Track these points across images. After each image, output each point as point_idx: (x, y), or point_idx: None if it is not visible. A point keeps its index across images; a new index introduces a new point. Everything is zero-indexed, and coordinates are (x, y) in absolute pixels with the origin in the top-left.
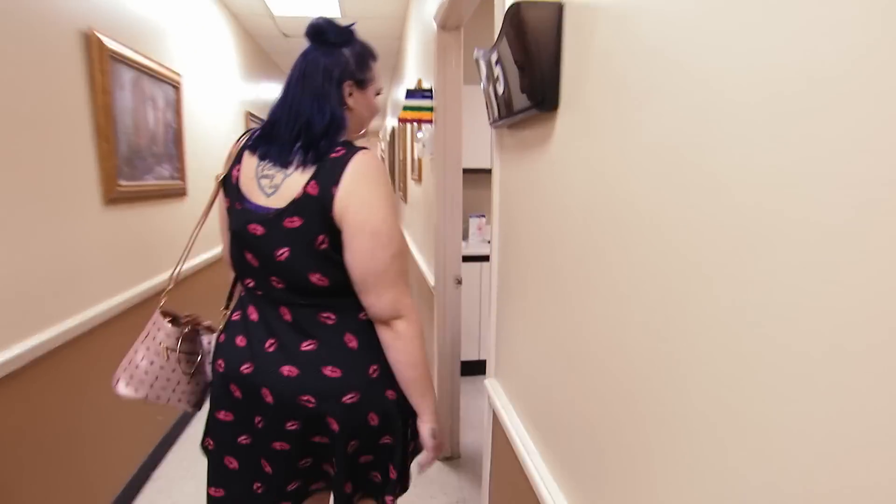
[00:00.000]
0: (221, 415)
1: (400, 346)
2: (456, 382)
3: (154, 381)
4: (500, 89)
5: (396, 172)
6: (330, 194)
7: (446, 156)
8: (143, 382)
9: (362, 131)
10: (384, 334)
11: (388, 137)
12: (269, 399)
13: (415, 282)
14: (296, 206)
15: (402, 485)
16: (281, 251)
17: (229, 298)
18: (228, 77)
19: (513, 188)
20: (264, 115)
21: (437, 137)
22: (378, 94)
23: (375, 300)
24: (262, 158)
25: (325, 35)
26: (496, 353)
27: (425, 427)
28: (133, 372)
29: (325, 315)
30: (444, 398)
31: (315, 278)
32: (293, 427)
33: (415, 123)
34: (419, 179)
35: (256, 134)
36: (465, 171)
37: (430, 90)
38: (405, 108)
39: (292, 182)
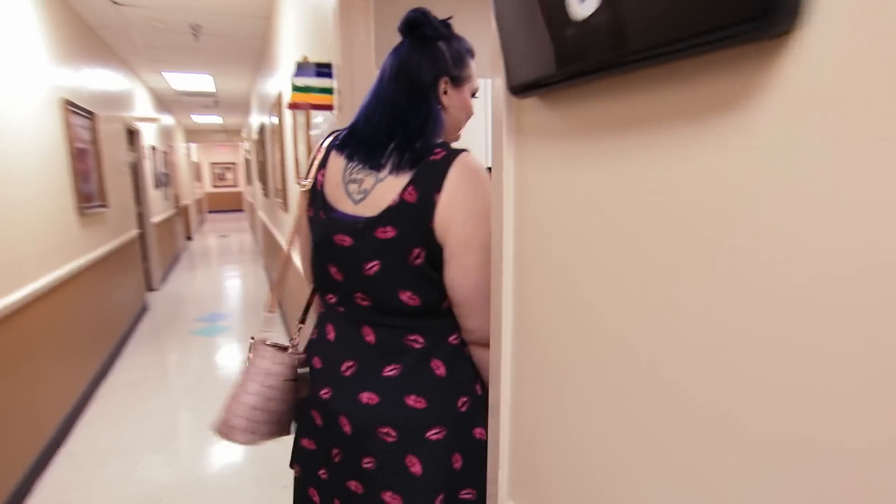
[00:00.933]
0: (305, 442)
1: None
2: None
3: (268, 420)
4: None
5: (270, 176)
6: (431, 202)
7: None
8: (258, 428)
9: (457, 134)
10: (483, 354)
11: (254, 136)
12: (347, 429)
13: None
14: (389, 215)
15: None
16: (370, 265)
17: (305, 313)
18: (32, 57)
19: (563, 208)
20: (88, 104)
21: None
22: (474, 94)
23: (482, 322)
24: (349, 160)
25: (422, 28)
26: (512, 459)
27: None
28: (250, 414)
29: (412, 338)
30: None
31: (406, 297)
32: (369, 466)
33: (309, 110)
34: None
35: (343, 134)
36: None
37: (329, 66)
38: (295, 89)
39: (385, 187)
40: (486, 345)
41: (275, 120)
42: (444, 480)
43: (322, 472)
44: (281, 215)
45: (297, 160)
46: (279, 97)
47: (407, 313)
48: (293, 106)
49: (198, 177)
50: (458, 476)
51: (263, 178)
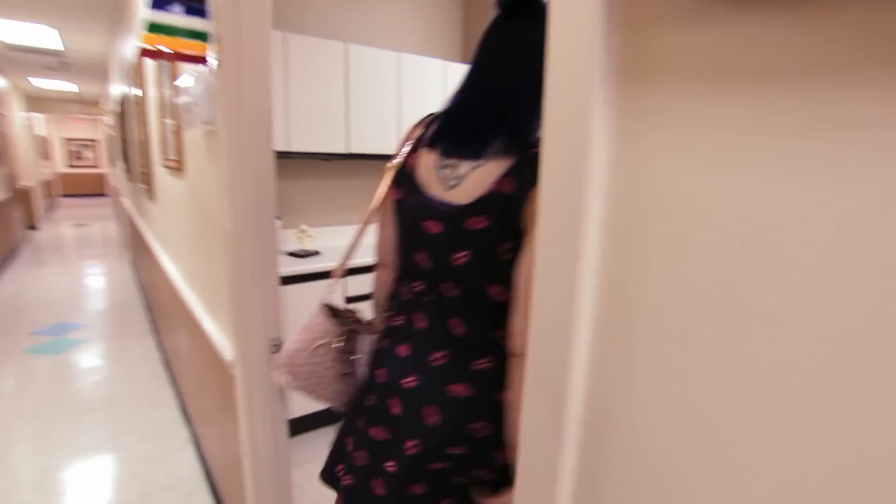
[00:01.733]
0: (374, 432)
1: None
2: None
3: (309, 374)
4: None
5: (133, 157)
6: (525, 195)
7: (242, 128)
8: (298, 375)
9: None
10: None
11: (115, 108)
12: (432, 420)
13: (187, 349)
14: (482, 204)
15: None
16: (458, 255)
17: (390, 299)
18: None
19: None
20: None
21: (223, 91)
22: None
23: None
24: (446, 146)
25: (530, 7)
26: None
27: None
28: (292, 364)
29: (500, 333)
30: None
31: (494, 291)
32: (457, 452)
33: (177, 64)
34: (179, 167)
35: (438, 118)
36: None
37: (202, 3)
38: (152, 29)
39: (481, 175)
40: (520, 352)
41: (137, 91)
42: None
43: (390, 464)
44: (147, 204)
45: (164, 139)
46: (140, 60)
47: (495, 308)
48: (148, 54)
49: (46, 154)
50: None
51: (126, 159)
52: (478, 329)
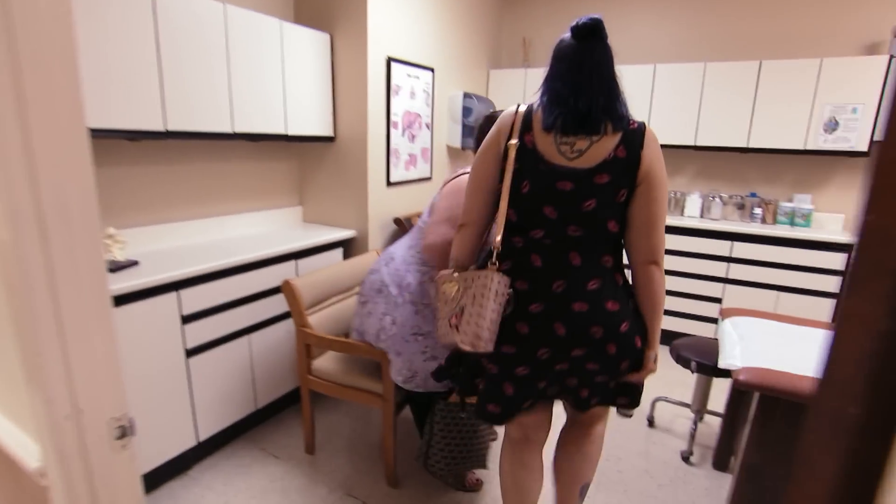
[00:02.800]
0: (505, 348)
1: (661, 280)
2: None
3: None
4: None
5: None
6: (638, 156)
7: (18, 92)
8: (495, 333)
9: None
10: (652, 271)
11: None
12: (562, 332)
13: None
14: (605, 166)
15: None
16: (588, 202)
17: (500, 252)
18: None
19: None
20: None
21: None
22: None
23: (654, 241)
24: (564, 128)
25: (602, 32)
26: None
27: (653, 352)
28: (493, 328)
29: (606, 258)
30: None
31: (612, 225)
32: (578, 353)
33: None
34: None
35: (544, 108)
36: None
37: None
38: None
39: (600, 147)
40: (650, 261)
41: None
42: (629, 354)
43: (521, 369)
44: None
45: None
46: None
47: (609, 239)
48: None
49: None
50: (640, 350)
51: None
52: (590, 259)
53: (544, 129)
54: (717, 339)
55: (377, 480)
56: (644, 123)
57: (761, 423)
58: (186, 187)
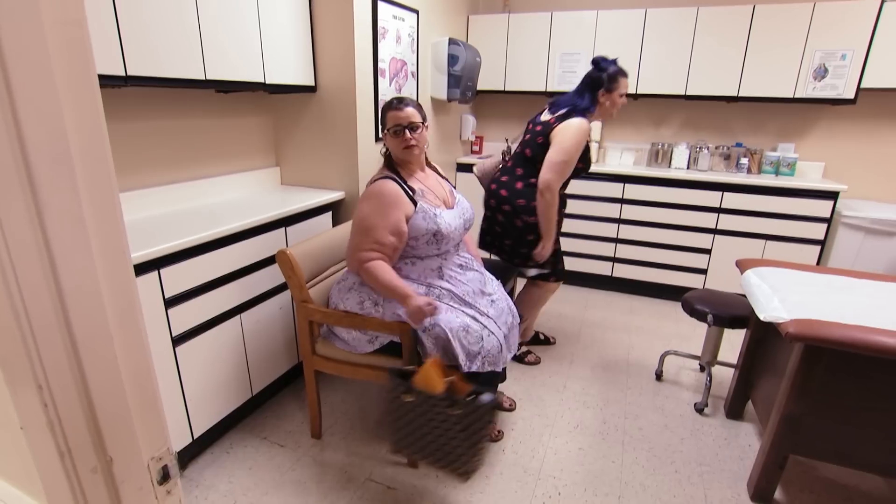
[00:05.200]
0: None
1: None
2: None
3: None
4: None
5: None
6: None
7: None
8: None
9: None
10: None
11: None
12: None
13: None
14: (549, 127)
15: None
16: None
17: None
18: None
19: None
20: None
21: None
22: (621, 96)
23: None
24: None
25: (597, 65)
26: None
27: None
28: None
29: (532, 180)
30: None
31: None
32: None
33: None
34: None
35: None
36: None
37: None
38: None
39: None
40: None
41: None
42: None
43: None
44: None
45: None
46: None
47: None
48: None
49: None
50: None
51: None
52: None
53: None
54: (725, 292)
55: (397, 462)
56: (575, 115)
57: (804, 373)
58: (150, 149)
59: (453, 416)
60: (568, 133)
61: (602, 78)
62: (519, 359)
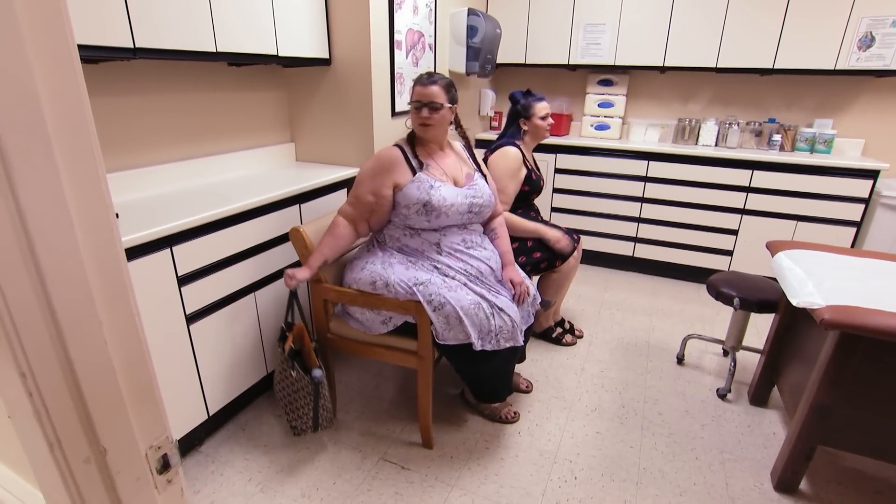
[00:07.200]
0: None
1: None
2: None
3: None
4: None
5: None
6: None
7: None
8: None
9: (544, 135)
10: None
11: None
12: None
13: None
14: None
15: None
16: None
17: None
18: None
19: None
20: None
21: None
22: (543, 118)
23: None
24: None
25: (514, 98)
26: None
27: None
28: None
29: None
30: None
31: None
32: None
33: None
34: None
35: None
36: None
37: None
38: None
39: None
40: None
41: None
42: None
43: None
44: None
45: None
46: None
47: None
48: None
49: None
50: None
51: None
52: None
53: None
54: (752, 275)
55: (411, 442)
56: (503, 146)
57: (838, 362)
58: (163, 124)
59: (290, 377)
60: (494, 160)
61: (517, 109)
62: (556, 340)
